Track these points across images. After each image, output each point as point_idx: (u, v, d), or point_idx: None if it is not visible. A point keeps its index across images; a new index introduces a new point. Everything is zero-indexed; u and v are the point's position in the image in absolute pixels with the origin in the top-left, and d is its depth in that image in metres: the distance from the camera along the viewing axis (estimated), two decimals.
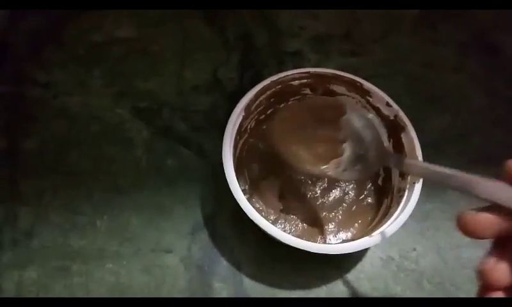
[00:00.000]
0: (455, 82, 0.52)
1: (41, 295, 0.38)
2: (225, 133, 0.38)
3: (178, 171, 0.44)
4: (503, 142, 0.48)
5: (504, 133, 0.49)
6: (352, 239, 0.39)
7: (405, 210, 0.36)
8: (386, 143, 0.39)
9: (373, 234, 0.35)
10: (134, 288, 0.39)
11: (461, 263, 0.42)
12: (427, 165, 0.30)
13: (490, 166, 0.46)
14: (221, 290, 0.39)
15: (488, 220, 0.25)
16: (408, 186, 0.38)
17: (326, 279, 0.40)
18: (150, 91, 0.49)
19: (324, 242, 0.41)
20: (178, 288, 0.39)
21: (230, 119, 0.39)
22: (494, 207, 0.25)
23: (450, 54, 0.54)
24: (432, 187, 0.45)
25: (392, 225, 0.36)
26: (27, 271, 0.39)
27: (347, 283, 0.40)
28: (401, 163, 0.33)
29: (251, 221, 0.35)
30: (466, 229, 0.26)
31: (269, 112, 0.45)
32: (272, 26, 0.54)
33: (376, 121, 0.38)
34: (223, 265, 0.40)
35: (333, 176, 0.40)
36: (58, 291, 0.38)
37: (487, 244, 0.42)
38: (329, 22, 0.55)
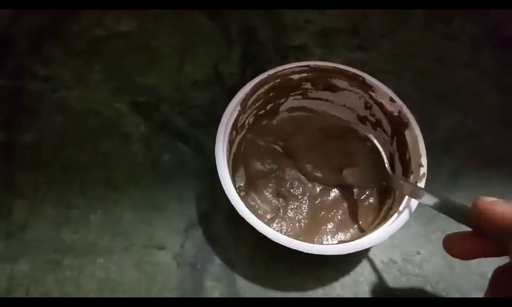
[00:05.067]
0: (466, 78, 0.50)
1: (32, 289, 0.37)
2: (219, 128, 0.37)
3: (175, 167, 0.44)
4: None
5: None
6: (351, 240, 0.38)
7: (404, 212, 0.34)
8: (387, 165, 0.39)
9: (370, 235, 0.33)
10: (125, 285, 0.38)
11: (468, 268, 0.39)
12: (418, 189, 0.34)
13: (501, 167, 0.44)
14: (213, 289, 0.38)
15: (472, 246, 0.29)
16: None
17: (323, 281, 0.38)
18: (149, 85, 0.48)
19: (321, 243, 0.39)
20: (169, 286, 0.38)
21: (225, 114, 0.38)
22: (476, 232, 0.29)
23: (463, 49, 0.52)
24: (439, 188, 0.43)
25: (391, 226, 0.34)
26: (19, 264, 0.38)
27: (345, 286, 0.38)
28: (399, 185, 0.37)
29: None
30: (452, 252, 0.30)
31: (268, 107, 0.43)
32: (277, 20, 0.53)
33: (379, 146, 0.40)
34: (216, 264, 0.39)
35: (351, 181, 0.41)
36: (49, 285, 0.38)
37: None
38: (335, 16, 0.54)
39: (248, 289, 0.38)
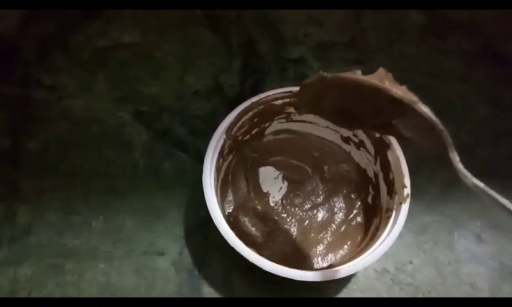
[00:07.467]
0: (460, 92, 0.51)
1: (34, 292, 0.39)
2: (205, 158, 0.38)
3: (175, 175, 0.45)
4: (508, 155, 0.47)
5: (509, 146, 0.47)
6: (341, 262, 0.39)
7: (391, 233, 0.35)
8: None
9: (357, 260, 0.34)
10: (124, 290, 0.39)
11: (459, 279, 0.40)
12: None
13: (493, 179, 0.45)
14: (210, 295, 0.39)
15: None
16: (395, 206, 0.37)
17: (317, 290, 0.39)
18: (152, 95, 0.49)
19: (312, 266, 0.40)
20: (167, 292, 0.39)
21: (210, 143, 0.38)
22: None
23: (457, 64, 0.53)
24: (433, 199, 0.44)
25: (378, 249, 0.35)
26: (22, 268, 0.40)
27: (339, 294, 0.39)
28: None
29: None
30: None
31: (254, 132, 0.44)
32: (276, 33, 0.54)
33: None
34: (214, 271, 0.40)
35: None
36: (51, 288, 0.39)
37: (488, 260, 0.41)
38: (333, 30, 0.55)
39: (245, 296, 0.39)
